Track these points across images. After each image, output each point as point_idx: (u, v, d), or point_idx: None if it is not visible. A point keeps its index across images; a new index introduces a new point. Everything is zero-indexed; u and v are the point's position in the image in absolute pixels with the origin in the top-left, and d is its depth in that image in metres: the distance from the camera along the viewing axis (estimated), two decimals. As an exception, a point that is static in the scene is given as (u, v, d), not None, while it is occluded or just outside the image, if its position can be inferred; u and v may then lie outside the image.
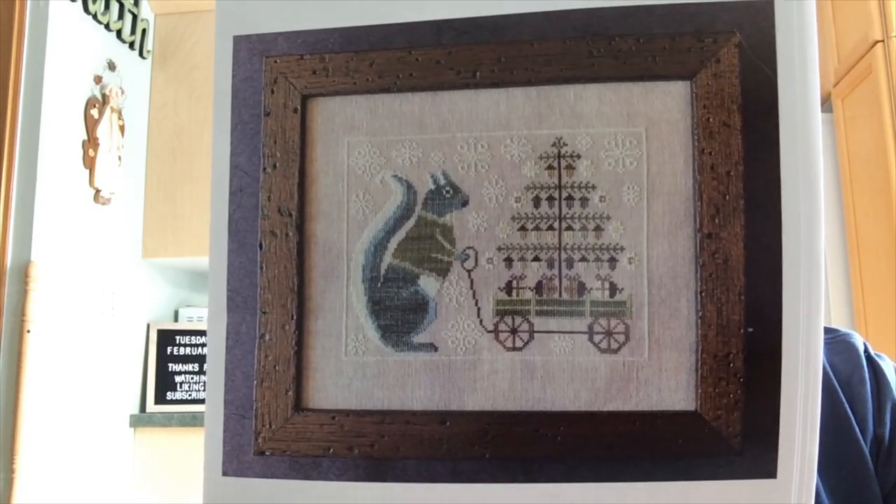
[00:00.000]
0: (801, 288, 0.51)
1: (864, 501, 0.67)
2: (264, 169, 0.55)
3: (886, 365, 0.73)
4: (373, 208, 0.55)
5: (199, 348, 2.80)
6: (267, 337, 0.54)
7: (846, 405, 0.69)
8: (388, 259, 0.54)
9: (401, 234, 0.54)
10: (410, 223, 0.54)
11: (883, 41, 2.19)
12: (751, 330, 0.51)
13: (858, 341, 0.74)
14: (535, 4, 0.54)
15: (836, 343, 0.74)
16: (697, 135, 0.52)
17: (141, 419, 2.67)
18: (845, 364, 0.72)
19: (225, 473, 0.55)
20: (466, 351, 0.53)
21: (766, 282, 0.51)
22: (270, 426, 0.54)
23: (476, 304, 0.53)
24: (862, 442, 0.68)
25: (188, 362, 2.79)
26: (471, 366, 0.53)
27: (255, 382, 0.54)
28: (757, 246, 0.51)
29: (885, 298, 2.20)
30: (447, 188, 0.54)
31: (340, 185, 0.55)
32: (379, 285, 0.54)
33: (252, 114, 0.56)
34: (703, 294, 0.51)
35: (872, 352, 0.74)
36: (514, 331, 0.53)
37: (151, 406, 2.72)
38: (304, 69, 0.56)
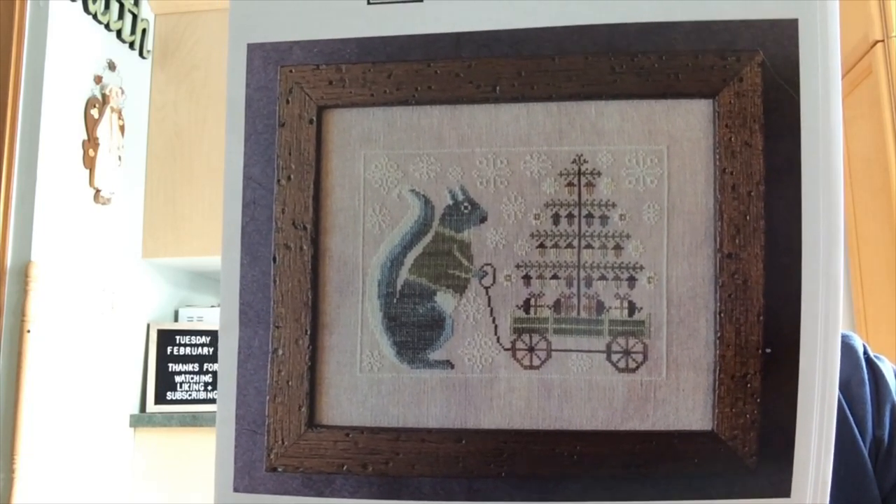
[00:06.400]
0: (820, 309, 0.50)
1: (863, 502, 0.67)
2: (278, 181, 0.55)
3: (885, 367, 0.73)
4: (389, 223, 0.54)
5: (200, 348, 2.79)
6: (280, 351, 0.54)
7: (845, 407, 0.70)
8: (404, 275, 0.54)
9: (418, 250, 0.54)
10: (428, 239, 0.54)
11: (883, 41, 2.19)
12: (769, 350, 0.51)
13: (858, 343, 0.74)
14: (556, 19, 0.53)
15: None
16: (719, 154, 0.52)
17: (141, 419, 2.67)
18: (845, 366, 0.72)
19: (236, 490, 0.54)
20: (483, 369, 0.52)
21: (785, 303, 0.51)
22: (283, 442, 0.54)
23: (493, 321, 0.53)
24: (861, 443, 0.68)
25: (188, 362, 2.78)
26: (487, 384, 0.52)
27: (267, 398, 0.54)
28: (776, 267, 0.51)
29: (885, 298, 2.21)
30: (465, 204, 0.53)
31: (356, 198, 0.55)
32: (395, 301, 0.53)
33: (266, 124, 0.55)
34: (722, 314, 0.51)
35: (872, 354, 0.74)
36: (531, 349, 0.52)
37: (151, 406, 2.71)
38: (320, 79, 0.55)
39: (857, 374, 0.72)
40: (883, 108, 2.16)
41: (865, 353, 0.74)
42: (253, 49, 0.56)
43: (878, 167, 2.20)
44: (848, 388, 0.71)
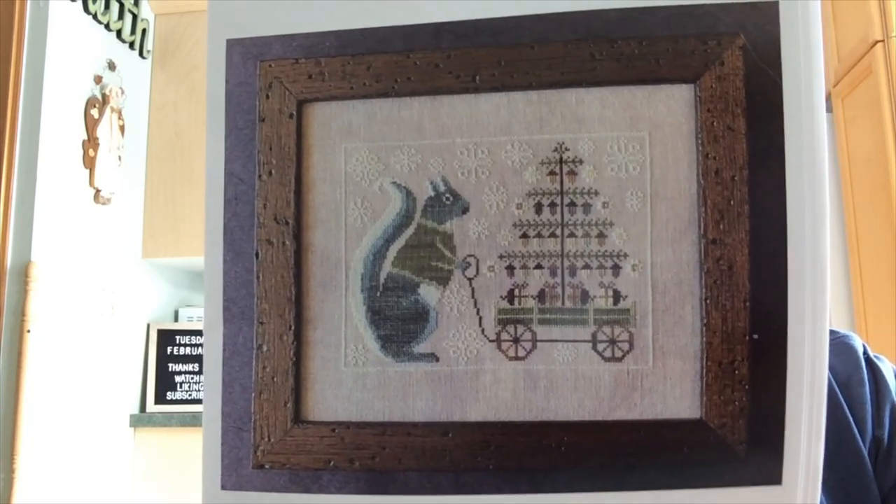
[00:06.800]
0: (807, 294, 0.50)
1: (863, 502, 0.67)
2: (260, 176, 0.55)
3: (885, 367, 0.73)
4: (371, 216, 0.54)
5: (199, 348, 2.79)
6: (264, 348, 0.54)
7: (845, 407, 0.69)
8: (387, 268, 0.53)
9: (400, 242, 0.53)
10: (410, 231, 0.53)
11: (883, 41, 2.18)
12: (756, 337, 0.50)
13: (858, 343, 0.74)
14: (535, 7, 0.53)
15: (836, 345, 0.73)
16: (701, 139, 0.51)
17: (141, 419, 2.67)
18: (845, 366, 0.72)
19: (224, 487, 0.54)
20: (468, 361, 0.52)
21: (772, 288, 0.50)
22: (269, 439, 0.53)
23: (477, 312, 0.52)
24: (861, 443, 0.68)
25: (188, 362, 2.78)
26: (473, 376, 0.52)
27: (252, 394, 0.53)
28: (762, 252, 0.50)
29: (885, 298, 2.20)
30: (447, 195, 0.53)
31: (338, 192, 0.54)
32: (378, 294, 0.53)
33: (246, 119, 0.55)
34: (708, 301, 0.51)
35: (871, 353, 0.74)
36: (516, 340, 0.52)
37: (151, 406, 2.71)
38: (300, 73, 0.55)
39: (857, 374, 0.71)
40: (883, 108, 2.16)
41: (865, 353, 0.73)
42: (232, 45, 0.56)
43: (878, 167, 2.19)
44: (848, 388, 0.70)
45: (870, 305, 2.33)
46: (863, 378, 0.71)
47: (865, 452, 0.68)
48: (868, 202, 2.31)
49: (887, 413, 0.70)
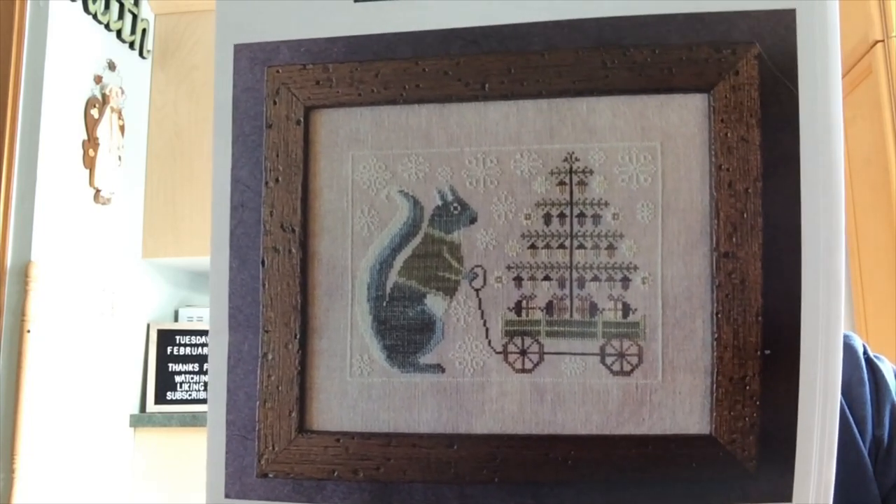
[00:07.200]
0: (821, 309, 0.49)
1: (863, 502, 0.67)
2: (266, 183, 0.54)
3: (885, 367, 0.73)
4: (378, 225, 0.53)
5: (199, 348, 2.79)
6: (270, 356, 0.53)
7: (845, 407, 0.69)
8: (393, 277, 0.53)
9: (407, 252, 0.53)
10: (417, 240, 0.53)
11: (883, 41, 2.17)
12: (768, 352, 0.50)
13: (857, 343, 0.74)
14: (545, 13, 0.52)
15: None
16: (715, 150, 0.51)
17: (141, 419, 2.66)
18: (845, 366, 0.71)
19: (227, 496, 0.53)
20: (475, 372, 0.52)
21: (785, 303, 0.50)
22: (273, 448, 0.53)
23: (484, 324, 0.52)
24: (861, 443, 0.68)
25: (188, 362, 2.78)
26: (479, 388, 0.52)
27: (257, 403, 0.53)
28: (775, 265, 0.50)
29: (885, 298, 2.20)
30: (455, 204, 0.52)
31: (345, 200, 0.54)
32: (384, 304, 0.53)
33: (254, 126, 0.55)
34: (720, 315, 0.50)
35: (871, 353, 0.74)
36: (523, 352, 0.51)
37: (151, 406, 2.71)
38: (308, 79, 0.54)
39: (857, 374, 0.71)
40: (883, 108, 2.15)
41: (865, 353, 0.73)
42: (240, 50, 0.55)
43: (878, 167, 2.19)
44: (848, 388, 0.70)
45: (870, 305, 2.33)
46: (863, 378, 0.71)
47: (865, 452, 0.68)
48: (868, 202, 2.31)
49: (887, 413, 0.70)
